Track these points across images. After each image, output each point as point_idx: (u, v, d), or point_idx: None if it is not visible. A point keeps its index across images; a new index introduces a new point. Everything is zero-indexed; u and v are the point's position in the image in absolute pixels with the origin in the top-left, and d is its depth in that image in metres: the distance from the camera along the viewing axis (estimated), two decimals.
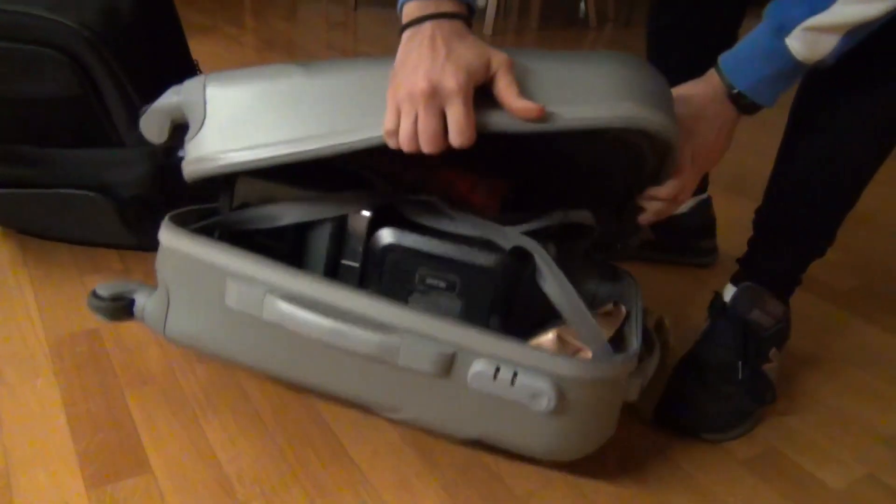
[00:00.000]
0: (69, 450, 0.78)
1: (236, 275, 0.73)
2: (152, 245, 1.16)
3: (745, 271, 0.94)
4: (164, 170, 1.10)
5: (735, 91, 0.75)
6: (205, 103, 0.73)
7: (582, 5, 3.07)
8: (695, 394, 0.86)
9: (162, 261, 0.78)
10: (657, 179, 0.77)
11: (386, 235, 0.76)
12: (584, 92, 0.67)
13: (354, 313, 0.71)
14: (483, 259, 0.74)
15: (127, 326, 0.99)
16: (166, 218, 0.78)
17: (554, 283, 0.74)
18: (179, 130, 0.76)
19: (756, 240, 0.95)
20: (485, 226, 0.77)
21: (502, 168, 0.87)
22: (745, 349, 0.88)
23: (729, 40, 0.86)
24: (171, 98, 0.75)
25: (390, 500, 0.75)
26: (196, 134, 0.73)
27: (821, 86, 0.82)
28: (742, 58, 0.75)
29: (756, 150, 1.36)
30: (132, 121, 1.07)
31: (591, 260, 0.92)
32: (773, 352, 0.91)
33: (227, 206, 0.81)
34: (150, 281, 1.09)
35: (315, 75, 0.71)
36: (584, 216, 0.83)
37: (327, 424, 0.83)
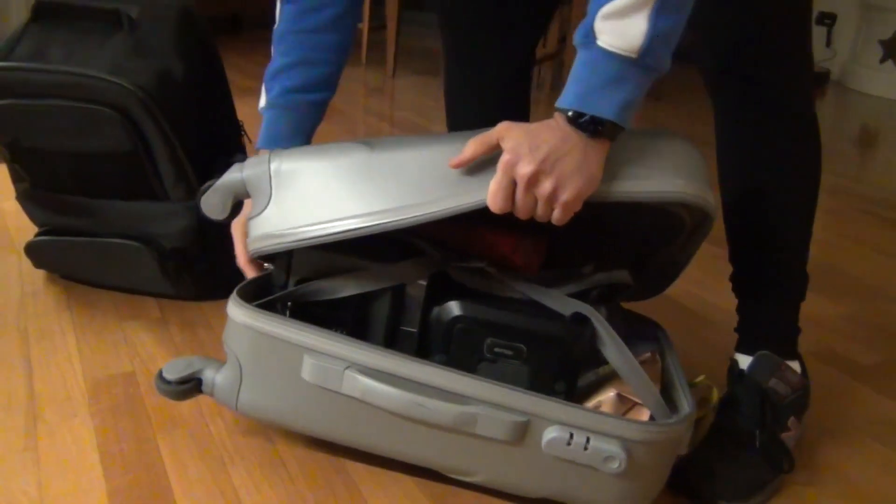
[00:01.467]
0: (101, 488, 0.81)
1: (314, 350, 0.76)
2: (188, 295, 1.22)
3: (745, 338, 0.97)
4: (203, 224, 1.16)
5: (570, 112, 0.70)
6: (270, 179, 0.76)
7: None
8: (712, 460, 0.87)
9: (233, 336, 0.81)
10: (690, 243, 0.83)
11: (454, 307, 0.79)
12: (637, 168, 0.73)
13: (432, 386, 0.75)
14: (549, 327, 0.77)
15: None
16: (234, 293, 0.81)
17: (612, 347, 0.78)
18: (239, 206, 0.79)
19: (741, 304, 0.98)
20: (536, 290, 0.81)
21: (539, 225, 0.91)
22: (763, 417, 0.89)
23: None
24: (236, 174, 0.79)
25: None
26: (262, 211, 0.76)
27: (732, 129, 0.89)
28: (568, 83, 0.71)
29: None
30: (178, 176, 1.13)
31: (619, 311, 0.96)
32: (791, 420, 0.92)
33: (281, 279, 0.83)
34: (186, 330, 1.14)
35: (380, 151, 0.75)
36: (623, 276, 0.86)
37: (348, 473, 0.86)
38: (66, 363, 1.04)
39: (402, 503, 0.82)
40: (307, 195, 0.75)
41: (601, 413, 0.74)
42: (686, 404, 0.79)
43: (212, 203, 0.80)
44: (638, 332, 0.96)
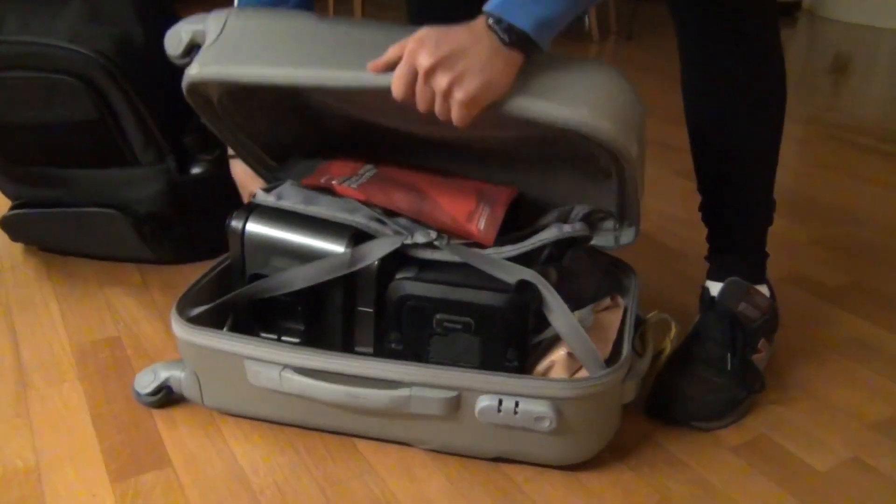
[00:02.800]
0: (95, 448, 0.84)
1: (251, 357, 0.82)
2: (167, 258, 1.23)
3: (715, 265, 1.00)
4: (176, 187, 1.17)
5: (490, 18, 0.72)
6: (224, 27, 0.81)
7: (586, 20, 3.14)
8: (685, 386, 0.91)
9: (183, 349, 0.86)
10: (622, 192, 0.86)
11: (402, 286, 0.81)
12: (554, 91, 0.74)
13: (362, 376, 0.79)
14: (492, 299, 0.79)
15: (145, 334, 1.05)
16: (173, 311, 0.85)
17: (557, 311, 0.80)
18: (195, 50, 0.83)
19: (710, 233, 1.01)
20: (483, 259, 0.82)
21: (497, 195, 0.93)
22: (734, 341, 0.93)
23: None
24: (197, 22, 0.84)
25: (396, 488, 0.80)
26: (209, 46, 0.81)
27: (694, 56, 0.91)
28: None
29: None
30: (147, 140, 1.14)
31: (594, 254, 0.98)
32: (762, 342, 0.96)
33: (239, 277, 0.87)
34: (167, 293, 1.16)
35: (327, 22, 0.79)
36: (578, 229, 0.88)
37: None
38: (52, 331, 1.06)
39: (389, 445, 0.86)
40: (249, 41, 0.80)
41: (525, 377, 0.77)
42: (624, 353, 0.81)
43: (170, 41, 0.84)
44: (611, 273, 0.99)
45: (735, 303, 0.95)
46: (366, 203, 0.87)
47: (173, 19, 1.20)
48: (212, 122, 0.92)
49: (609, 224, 0.94)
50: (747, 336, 0.94)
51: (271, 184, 0.94)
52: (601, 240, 0.95)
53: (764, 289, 0.99)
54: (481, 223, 0.87)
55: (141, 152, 1.14)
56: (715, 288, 0.98)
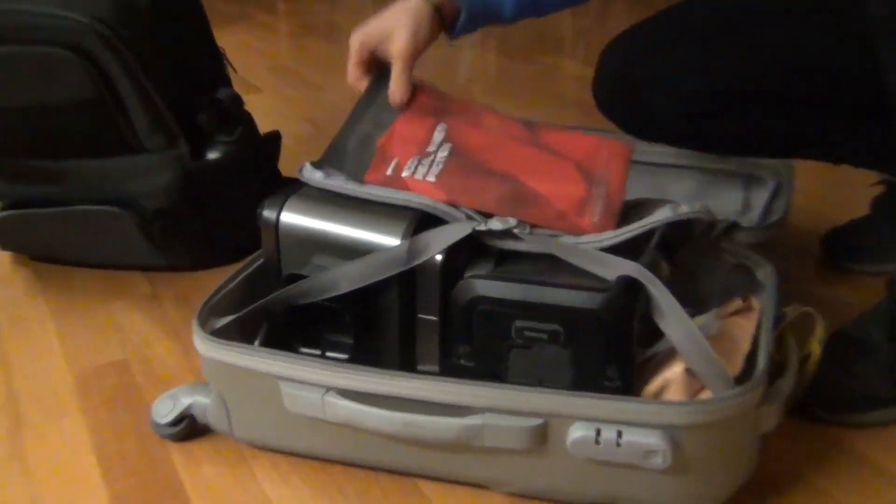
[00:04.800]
0: (102, 496, 0.83)
1: (288, 378, 0.79)
2: (182, 264, 1.23)
3: None
4: (190, 176, 1.16)
5: None
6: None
7: None
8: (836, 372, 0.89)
9: (207, 369, 0.85)
10: None
11: (470, 287, 0.78)
12: None
13: (424, 400, 0.76)
14: (586, 301, 0.75)
15: (158, 356, 1.04)
16: (195, 323, 0.84)
17: (671, 319, 0.75)
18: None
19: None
20: (574, 251, 0.79)
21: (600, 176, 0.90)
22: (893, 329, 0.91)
23: None
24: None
25: None
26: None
27: None
28: None
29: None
30: (154, 123, 1.13)
31: (718, 246, 0.94)
32: None
33: (274, 279, 0.87)
34: (182, 306, 1.15)
35: None
36: (698, 210, 0.84)
37: None
38: (48, 355, 1.05)
39: (470, 498, 0.83)
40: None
41: (630, 399, 0.73)
42: (759, 368, 0.76)
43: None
44: (742, 271, 0.94)
45: None
46: (451, 204, 0.84)
47: None
48: None
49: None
50: None
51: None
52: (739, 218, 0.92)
53: None
54: (595, 213, 0.84)
55: (147, 137, 1.14)
56: None
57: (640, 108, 1.01)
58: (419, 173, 0.86)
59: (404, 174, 0.86)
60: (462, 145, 0.90)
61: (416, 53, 0.90)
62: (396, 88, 0.90)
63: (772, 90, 0.97)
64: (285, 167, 1.32)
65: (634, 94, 1.01)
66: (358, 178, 0.87)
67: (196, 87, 1.20)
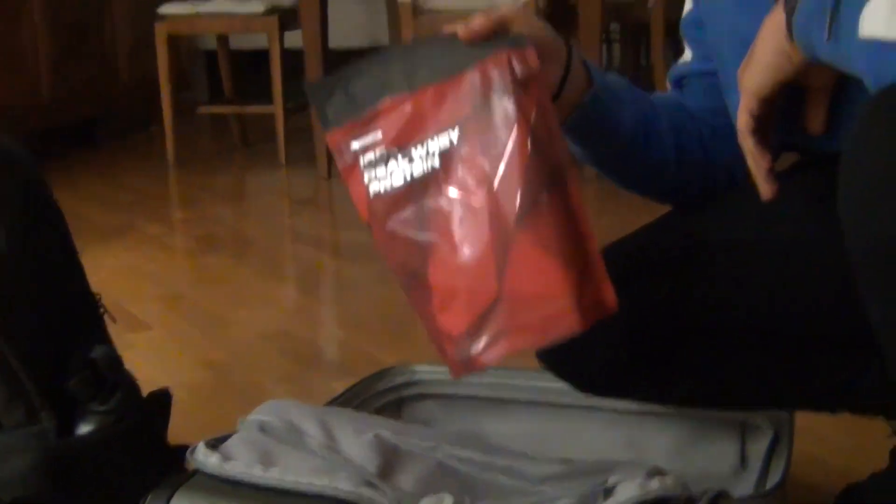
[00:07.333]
0: None
1: None
2: None
3: None
4: (56, 458, 1.16)
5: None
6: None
7: None
8: None
9: None
10: None
11: None
12: None
13: None
14: None
15: None
16: None
17: None
18: None
19: None
20: None
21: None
22: None
23: None
24: None
25: None
26: None
27: None
28: None
29: None
30: (12, 393, 1.14)
31: None
32: None
33: None
34: None
35: None
36: (670, 486, 0.86)
37: None
38: None
39: None
40: None
41: None
42: None
43: None
44: None
45: None
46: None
47: (49, 209, 1.26)
48: None
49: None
50: None
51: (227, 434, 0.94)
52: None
53: None
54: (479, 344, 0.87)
55: (2, 411, 1.15)
56: None
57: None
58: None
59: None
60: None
61: None
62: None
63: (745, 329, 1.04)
64: (177, 430, 1.31)
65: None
66: (339, 120, 0.93)
67: (65, 345, 1.22)
